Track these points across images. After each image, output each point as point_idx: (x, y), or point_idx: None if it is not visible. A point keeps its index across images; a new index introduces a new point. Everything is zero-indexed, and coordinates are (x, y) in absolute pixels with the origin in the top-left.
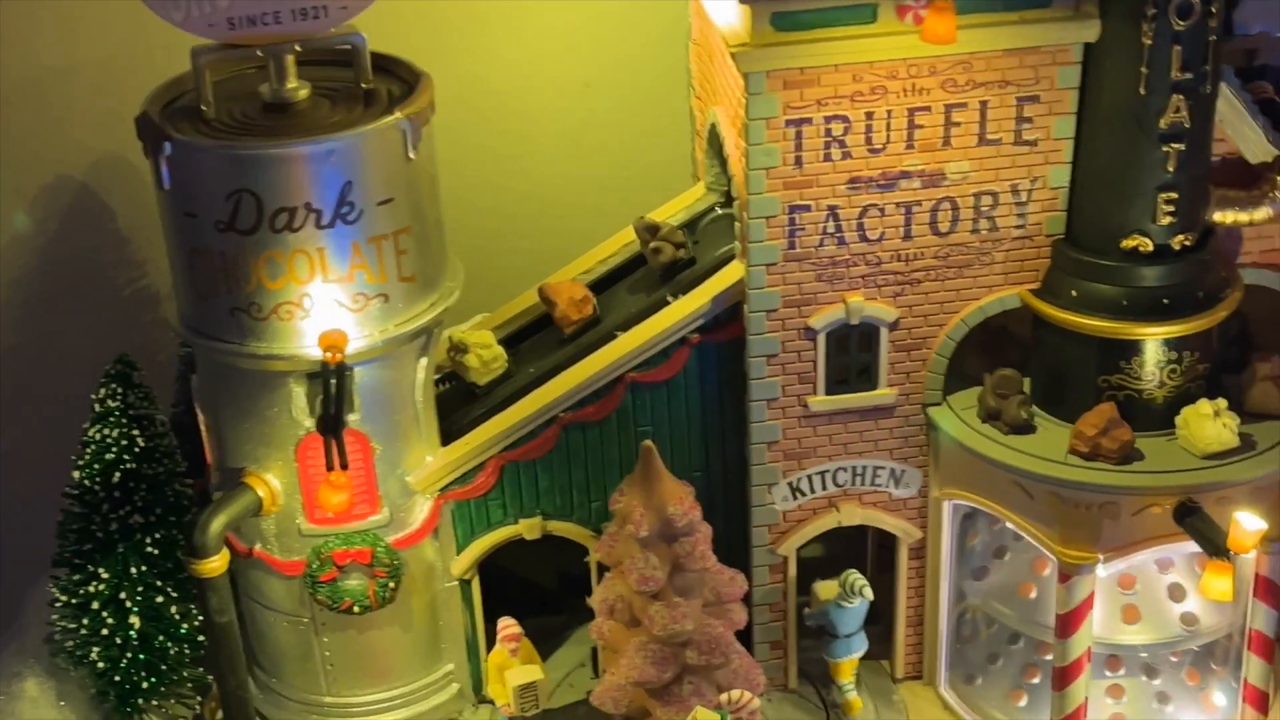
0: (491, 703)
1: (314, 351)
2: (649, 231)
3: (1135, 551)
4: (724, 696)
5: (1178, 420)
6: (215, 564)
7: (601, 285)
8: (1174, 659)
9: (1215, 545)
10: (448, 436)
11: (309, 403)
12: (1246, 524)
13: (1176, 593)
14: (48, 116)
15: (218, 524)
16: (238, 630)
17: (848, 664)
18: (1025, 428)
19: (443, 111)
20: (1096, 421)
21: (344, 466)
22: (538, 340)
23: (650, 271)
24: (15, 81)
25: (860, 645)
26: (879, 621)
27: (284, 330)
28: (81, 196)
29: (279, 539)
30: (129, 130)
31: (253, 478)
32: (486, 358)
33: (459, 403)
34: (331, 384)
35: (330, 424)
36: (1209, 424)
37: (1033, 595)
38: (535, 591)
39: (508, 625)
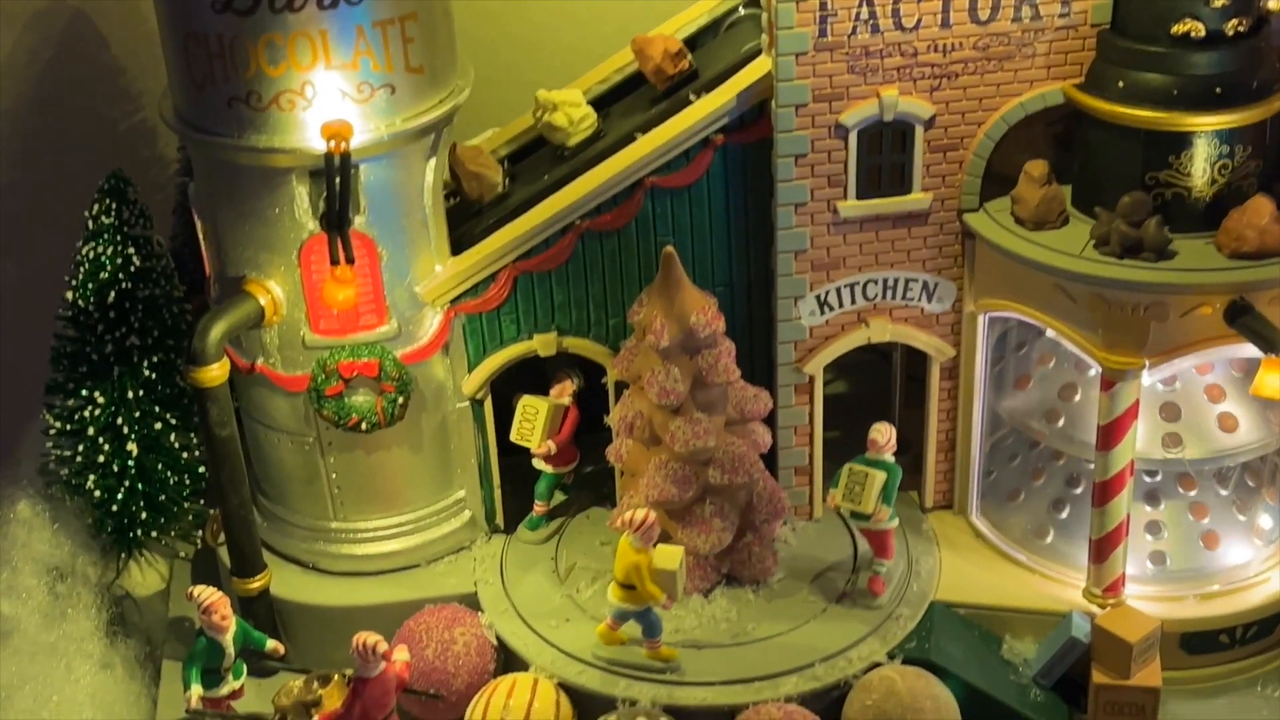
0: (504, 530)
1: (317, 144)
2: None
3: (1183, 355)
4: (878, 435)
5: None
6: (215, 372)
7: (693, 43)
8: (1218, 485)
9: (1270, 341)
10: (458, 245)
11: (312, 202)
12: None
13: (1224, 419)
14: None
15: (217, 330)
16: (239, 445)
17: None
18: (1170, 251)
19: None
20: (1256, 220)
21: (350, 261)
22: (631, 100)
23: (752, 18)
24: None
25: None
26: (909, 451)
27: (285, 121)
28: (75, 23)
29: (282, 352)
30: None
31: (254, 285)
32: (575, 117)
33: (547, 166)
34: (335, 176)
35: (334, 219)
36: None
37: (1072, 410)
38: None
39: (642, 515)
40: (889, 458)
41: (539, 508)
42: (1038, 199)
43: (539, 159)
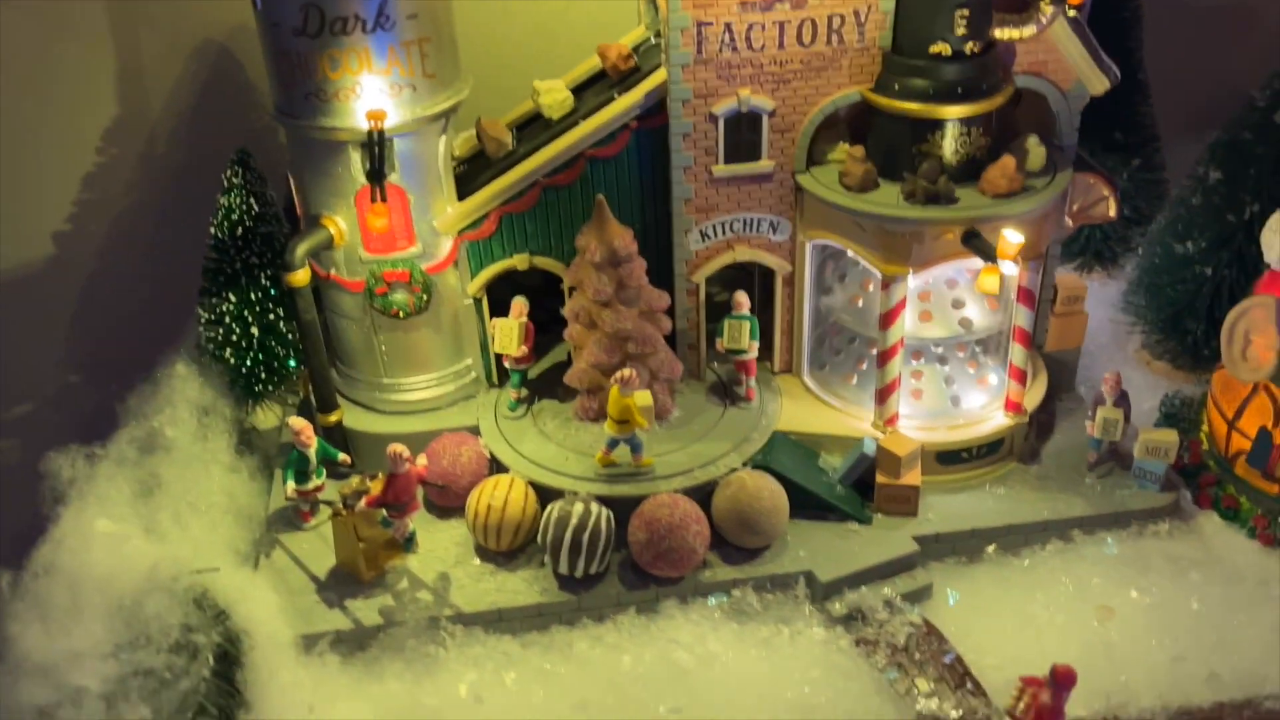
0: (498, 385)
1: (364, 125)
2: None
3: (934, 265)
4: (740, 298)
5: (1029, 143)
6: (300, 276)
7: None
8: (959, 352)
9: (987, 253)
10: (462, 194)
11: (362, 164)
12: (1010, 238)
13: (959, 304)
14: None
15: (303, 248)
16: (319, 326)
17: None
18: (954, 198)
19: None
20: (1006, 171)
21: (384, 200)
22: (598, 86)
23: (657, 45)
24: None
25: None
26: (764, 335)
27: (343, 109)
28: (221, 54)
29: (346, 265)
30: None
31: (326, 220)
32: (560, 98)
33: (540, 132)
34: (375, 146)
35: (375, 173)
36: (1039, 149)
37: (861, 305)
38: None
39: (629, 373)
40: (747, 313)
41: (513, 394)
42: (861, 172)
43: (536, 127)
